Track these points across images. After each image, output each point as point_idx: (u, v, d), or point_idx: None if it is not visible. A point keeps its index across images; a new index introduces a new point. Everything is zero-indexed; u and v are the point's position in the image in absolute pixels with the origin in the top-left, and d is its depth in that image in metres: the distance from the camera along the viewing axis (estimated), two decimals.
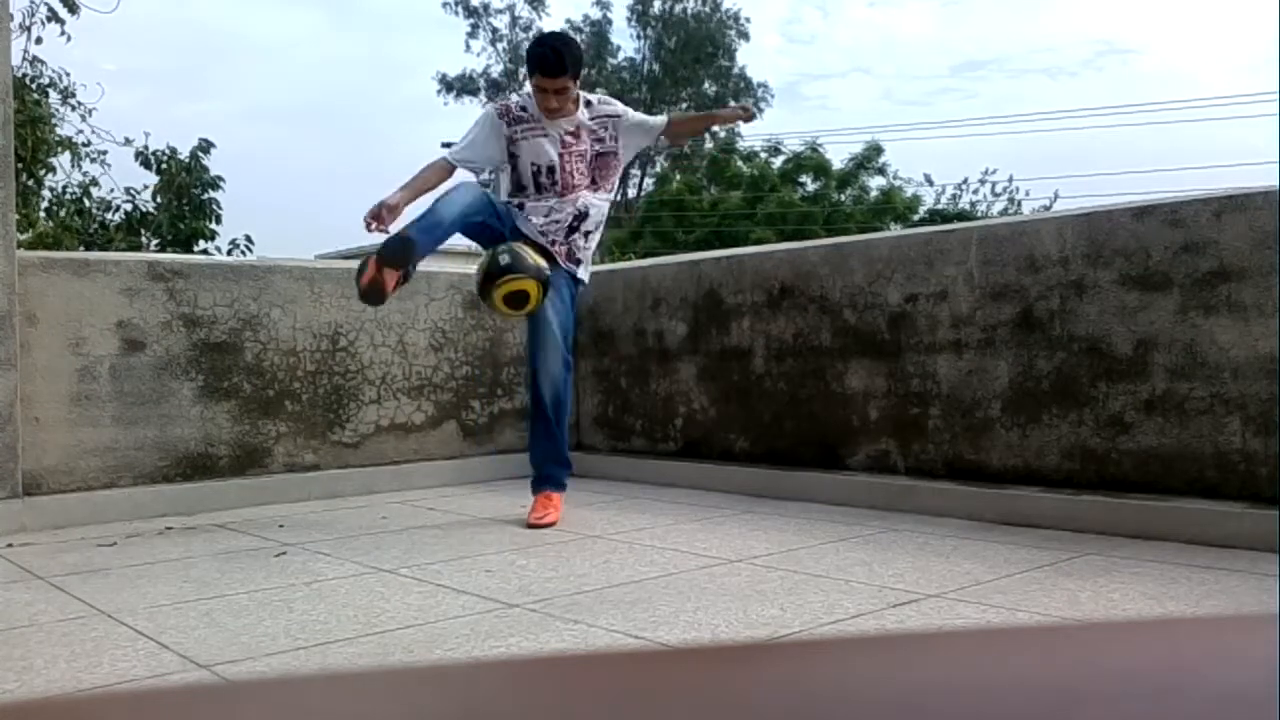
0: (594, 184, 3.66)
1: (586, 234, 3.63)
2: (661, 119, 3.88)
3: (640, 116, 3.81)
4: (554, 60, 3.46)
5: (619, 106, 3.74)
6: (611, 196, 3.78)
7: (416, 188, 3.57)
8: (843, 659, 0.31)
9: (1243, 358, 3.01)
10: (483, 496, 4.35)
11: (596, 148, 3.64)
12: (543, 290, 3.32)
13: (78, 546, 3.39)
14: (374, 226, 3.46)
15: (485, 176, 3.81)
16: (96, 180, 9.69)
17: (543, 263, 3.34)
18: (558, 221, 3.57)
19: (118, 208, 9.79)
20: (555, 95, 3.49)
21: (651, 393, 4.87)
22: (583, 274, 3.66)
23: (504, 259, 3.27)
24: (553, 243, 3.56)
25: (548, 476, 3.64)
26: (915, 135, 62.83)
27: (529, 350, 3.58)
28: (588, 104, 3.65)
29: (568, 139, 3.60)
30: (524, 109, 3.62)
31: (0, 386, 3.68)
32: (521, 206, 3.61)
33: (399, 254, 3.34)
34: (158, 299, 4.10)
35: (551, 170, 3.59)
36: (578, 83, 3.55)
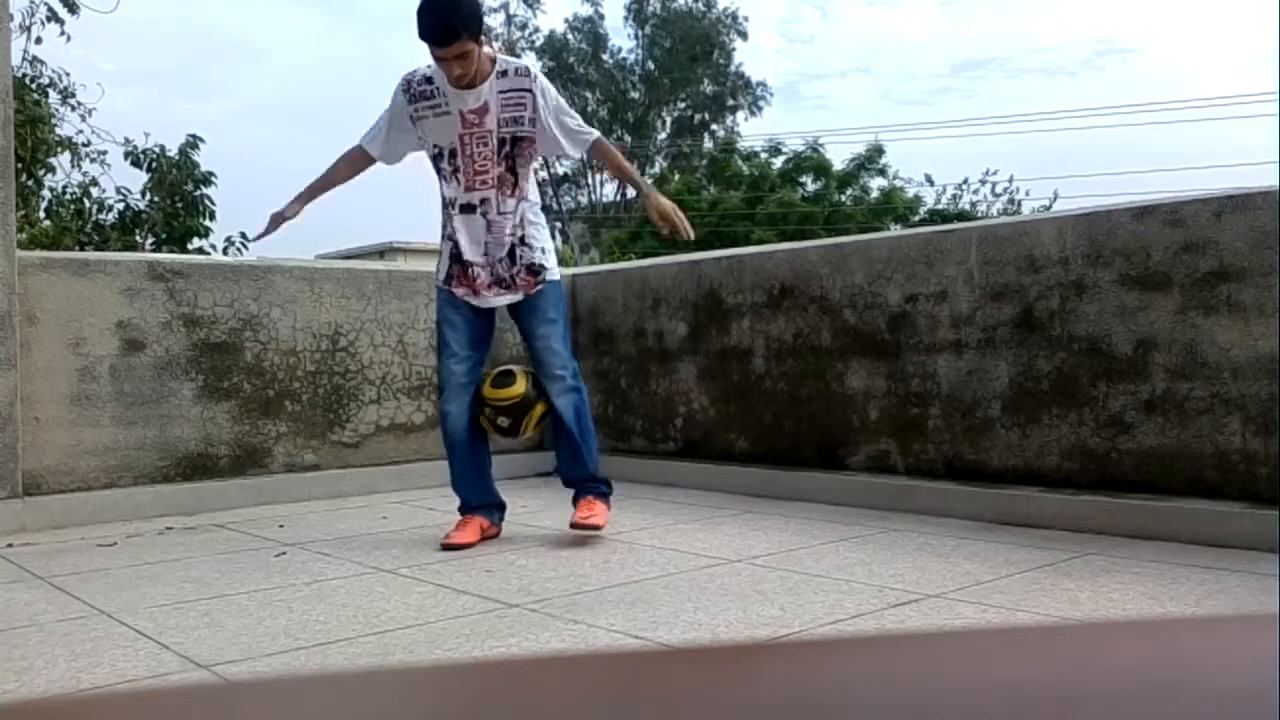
0: (514, 180, 3.17)
1: (525, 240, 3.21)
2: (587, 137, 3.28)
3: (561, 111, 3.22)
4: (443, 30, 2.96)
5: (539, 82, 3.19)
6: (536, 194, 3.30)
7: (325, 181, 3.33)
8: (843, 659, 0.31)
9: (1243, 358, 3.01)
10: None
11: (513, 130, 3.14)
12: (530, 394, 3.23)
13: (78, 546, 3.39)
14: (266, 233, 3.36)
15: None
16: (96, 180, 9.70)
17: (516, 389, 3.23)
18: (499, 258, 3.19)
19: (110, 208, 9.79)
20: (457, 62, 3.01)
21: (651, 393, 4.87)
22: (555, 272, 3.26)
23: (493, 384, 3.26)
24: (512, 279, 3.21)
25: (586, 489, 3.36)
26: (915, 135, 62.87)
27: (540, 378, 3.29)
28: (502, 73, 3.14)
29: (470, 116, 3.12)
30: (429, 80, 3.15)
31: (0, 386, 3.68)
32: (450, 231, 3.23)
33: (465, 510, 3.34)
34: (158, 299, 4.10)
35: (453, 155, 3.15)
36: (482, 41, 3.08)
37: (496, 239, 3.19)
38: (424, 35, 2.99)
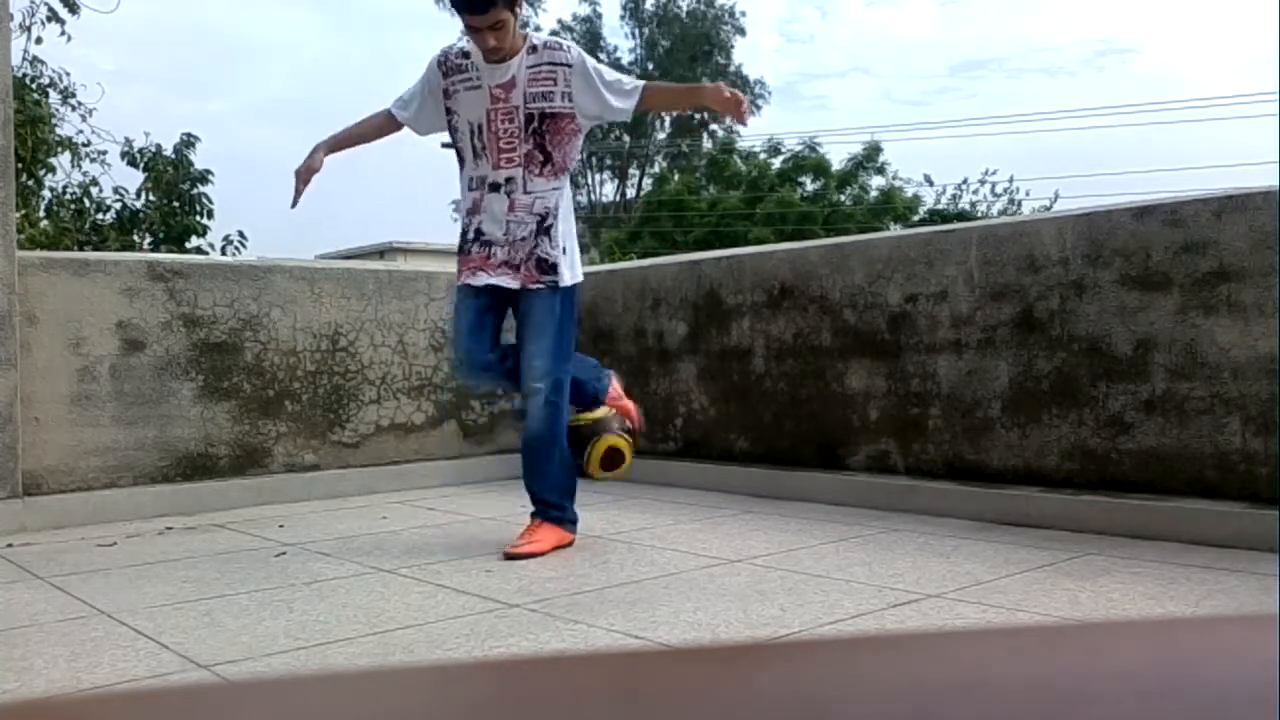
0: (545, 158, 3.07)
1: (548, 230, 3.07)
2: (633, 90, 3.12)
3: (601, 75, 3.11)
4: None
5: (572, 53, 3.11)
6: (568, 176, 3.16)
7: (350, 134, 3.27)
8: (843, 659, 0.31)
9: (1243, 358, 3.01)
10: (483, 496, 4.35)
11: (541, 106, 3.05)
12: (630, 445, 3.28)
13: (78, 546, 3.39)
14: (299, 193, 3.18)
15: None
16: (97, 180, 9.70)
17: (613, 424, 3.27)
18: (520, 236, 3.07)
19: (108, 208, 9.79)
20: (492, 33, 2.94)
21: (651, 393, 4.87)
22: (568, 278, 3.09)
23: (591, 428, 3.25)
24: (520, 265, 3.07)
25: (537, 510, 3.21)
26: (915, 135, 62.83)
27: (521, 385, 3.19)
28: (533, 48, 3.09)
29: (497, 91, 3.05)
30: (465, 55, 3.11)
31: (0, 386, 3.68)
32: (474, 209, 3.12)
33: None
34: (158, 299, 4.10)
35: (480, 131, 3.08)
36: (518, 12, 3.01)
37: (519, 219, 3.07)
38: (459, 5, 2.95)
